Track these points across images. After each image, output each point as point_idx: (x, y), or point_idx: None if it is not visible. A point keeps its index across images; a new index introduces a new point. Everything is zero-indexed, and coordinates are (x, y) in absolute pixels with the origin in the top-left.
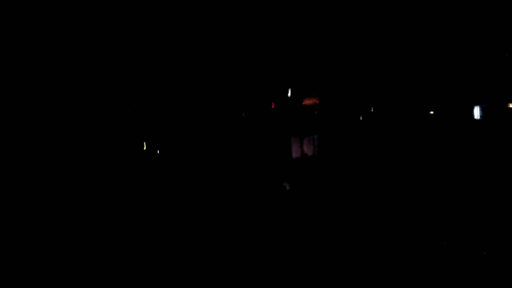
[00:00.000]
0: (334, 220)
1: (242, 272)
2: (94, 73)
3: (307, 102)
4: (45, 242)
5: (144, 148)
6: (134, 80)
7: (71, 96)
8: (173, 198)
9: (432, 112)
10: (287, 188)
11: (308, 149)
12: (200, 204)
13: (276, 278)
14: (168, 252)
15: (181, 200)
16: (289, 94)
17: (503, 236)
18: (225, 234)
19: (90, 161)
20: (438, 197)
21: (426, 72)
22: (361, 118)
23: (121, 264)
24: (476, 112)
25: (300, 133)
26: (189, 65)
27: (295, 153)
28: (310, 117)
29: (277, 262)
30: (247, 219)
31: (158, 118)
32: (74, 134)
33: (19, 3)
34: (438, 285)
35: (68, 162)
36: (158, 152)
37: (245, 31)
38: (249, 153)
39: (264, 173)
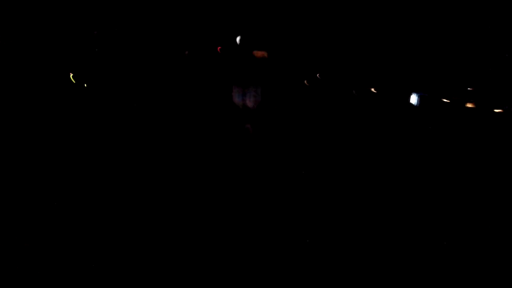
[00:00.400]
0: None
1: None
2: (94, 73)
3: (257, 54)
4: (45, 242)
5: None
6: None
7: (70, 95)
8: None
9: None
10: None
11: (249, 100)
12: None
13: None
14: (157, 240)
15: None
16: (238, 42)
17: (503, 236)
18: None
19: (89, 160)
20: (437, 195)
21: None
22: (306, 82)
23: (121, 264)
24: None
25: (243, 83)
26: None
27: (236, 101)
28: (256, 68)
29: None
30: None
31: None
32: (74, 134)
33: (19, 3)
34: (438, 285)
35: (67, 161)
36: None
37: None
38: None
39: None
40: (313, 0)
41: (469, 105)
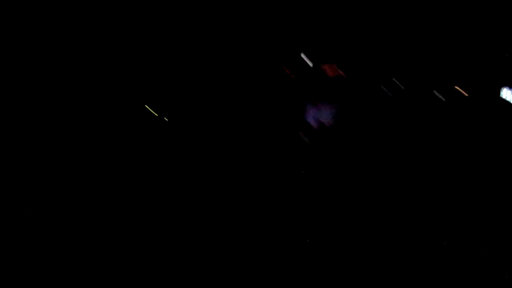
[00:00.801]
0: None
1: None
2: (94, 73)
3: (327, 69)
4: (45, 242)
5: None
6: (133, 80)
7: (70, 96)
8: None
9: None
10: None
11: (325, 118)
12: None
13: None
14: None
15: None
16: (307, 61)
17: (503, 236)
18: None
19: (89, 161)
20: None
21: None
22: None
23: (121, 264)
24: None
25: (317, 101)
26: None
27: (312, 122)
28: (329, 86)
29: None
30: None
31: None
32: (74, 133)
33: (19, 3)
34: (438, 285)
35: (67, 161)
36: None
37: None
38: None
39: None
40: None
41: None
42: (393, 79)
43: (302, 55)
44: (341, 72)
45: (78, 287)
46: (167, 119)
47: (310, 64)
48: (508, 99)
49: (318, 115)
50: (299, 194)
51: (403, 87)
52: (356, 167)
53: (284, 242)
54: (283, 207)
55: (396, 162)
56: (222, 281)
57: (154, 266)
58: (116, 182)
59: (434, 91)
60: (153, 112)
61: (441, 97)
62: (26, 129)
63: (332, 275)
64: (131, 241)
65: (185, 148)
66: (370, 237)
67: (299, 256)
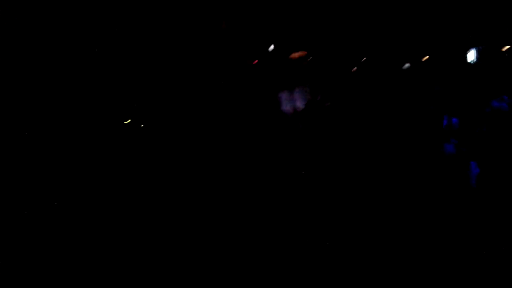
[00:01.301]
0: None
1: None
2: (94, 73)
3: (295, 55)
4: (45, 242)
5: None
6: (134, 80)
7: (71, 96)
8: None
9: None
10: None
11: (299, 102)
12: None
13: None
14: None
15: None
16: (271, 49)
17: (503, 236)
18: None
19: (89, 160)
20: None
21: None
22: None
23: (121, 264)
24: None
25: (289, 87)
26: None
27: (285, 108)
28: (297, 69)
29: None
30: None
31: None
32: (74, 134)
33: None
34: (438, 285)
35: (67, 161)
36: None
37: None
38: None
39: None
40: None
41: None
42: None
43: (271, 47)
44: (303, 53)
45: (78, 287)
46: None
47: (271, 47)
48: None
49: (291, 100)
50: (299, 194)
51: (372, 65)
52: (356, 166)
53: (284, 242)
54: (283, 207)
55: (394, 158)
56: (222, 281)
57: (154, 266)
58: (116, 182)
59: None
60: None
61: (407, 66)
62: (26, 129)
63: (332, 275)
64: (131, 241)
65: (175, 150)
66: (370, 237)
67: (299, 256)
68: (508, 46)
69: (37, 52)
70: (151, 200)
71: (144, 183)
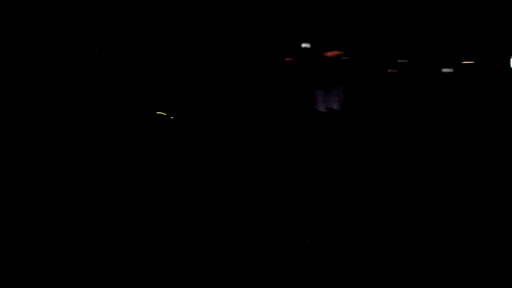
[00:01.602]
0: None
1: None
2: (94, 73)
3: (329, 54)
4: (45, 242)
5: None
6: (134, 80)
7: (70, 96)
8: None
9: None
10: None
11: (334, 103)
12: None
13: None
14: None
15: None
16: (306, 47)
17: (503, 236)
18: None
19: (89, 161)
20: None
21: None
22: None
23: (121, 264)
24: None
25: (323, 87)
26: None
27: (320, 108)
28: (333, 69)
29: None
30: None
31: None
32: (74, 133)
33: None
34: (438, 285)
35: (67, 161)
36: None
37: None
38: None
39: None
40: None
41: None
42: (398, 58)
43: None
44: (339, 52)
45: (78, 287)
46: (164, 114)
47: (308, 46)
48: None
49: (326, 100)
50: (299, 194)
51: (408, 65)
52: (355, 166)
53: (284, 242)
54: (283, 207)
55: (397, 160)
56: (222, 281)
57: (153, 266)
58: (116, 182)
59: (442, 68)
60: (155, 111)
61: (448, 70)
62: (26, 129)
63: (332, 275)
64: (130, 242)
65: (184, 144)
66: (370, 237)
67: (299, 256)
68: None
69: (37, 52)
70: (151, 200)
71: (144, 183)
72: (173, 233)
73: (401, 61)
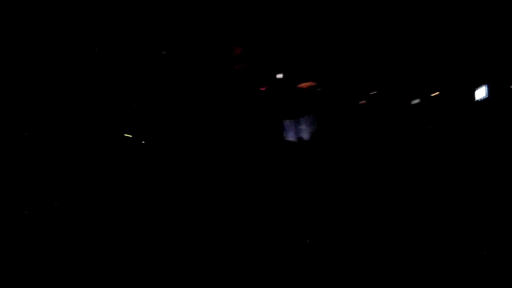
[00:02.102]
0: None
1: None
2: (94, 73)
3: (303, 85)
4: (45, 242)
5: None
6: (134, 80)
7: (70, 96)
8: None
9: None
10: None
11: (304, 133)
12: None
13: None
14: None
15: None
16: (280, 77)
17: (503, 236)
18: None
19: (89, 161)
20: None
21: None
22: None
23: (121, 264)
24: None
25: (294, 116)
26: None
27: (290, 137)
28: (306, 99)
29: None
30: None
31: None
32: (73, 133)
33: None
34: (438, 285)
35: (67, 161)
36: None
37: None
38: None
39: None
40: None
41: None
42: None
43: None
44: (313, 83)
45: (78, 287)
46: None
47: (282, 76)
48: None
49: (297, 130)
50: (299, 194)
51: (381, 95)
52: (355, 166)
53: (284, 242)
54: (283, 207)
55: (396, 161)
56: (222, 281)
57: (153, 266)
58: (115, 182)
59: (417, 98)
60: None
61: (417, 101)
62: (26, 129)
63: (332, 275)
64: (130, 242)
65: (180, 154)
66: (370, 237)
67: (299, 256)
68: None
69: (37, 52)
70: (151, 201)
71: (144, 184)
72: (173, 233)
73: (372, 93)
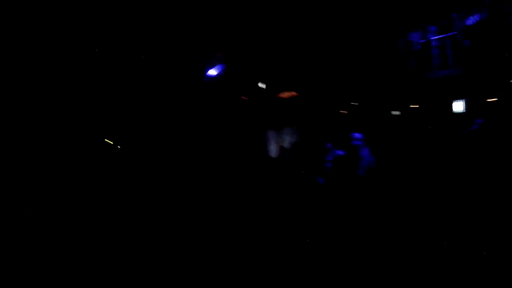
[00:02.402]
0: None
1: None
2: (94, 73)
3: (285, 95)
4: (45, 242)
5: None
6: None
7: (70, 96)
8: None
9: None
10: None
11: (286, 142)
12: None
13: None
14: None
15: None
16: (263, 87)
17: (503, 236)
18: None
19: (89, 161)
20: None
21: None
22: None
23: (121, 264)
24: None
25: (276, 126)
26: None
27: (272, 147)
28: (287, 109)
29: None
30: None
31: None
32: (73, 133)
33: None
34: (438, 285)
35: (67, 161)
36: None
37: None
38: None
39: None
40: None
41: None
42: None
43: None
44: (295, 93)
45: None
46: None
47: (263, 86)
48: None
49: (278, 139)
50: (300, 195)
51: (359, 107)
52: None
53: (284, 242)
54: (283, 207)
55: (397, 162)
56: (222, 281)
57: (153, 266)
58: (115, 182)
59: (391, 110)
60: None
61: (396, 113)
62: (26, 129)
63: (332, 275)
64: (129, 242)
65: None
66: (370, 237)
67: (299, 256)
68: (495, 98)
69: (37, 52)
70: (151, 200)
71: (144, 183)
72: (173, 232)
73: (352, 104)
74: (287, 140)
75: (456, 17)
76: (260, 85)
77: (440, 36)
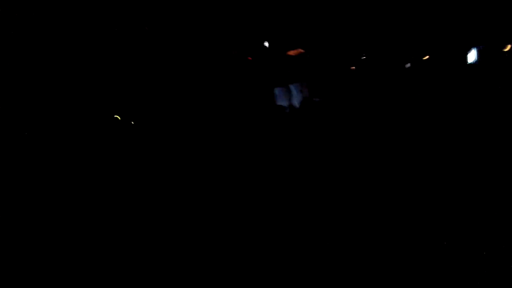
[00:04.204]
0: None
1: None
2: (94, 73)
3: (292, 52)
4: (45, 242)
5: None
6: (133, 80)
7: (70, 96)
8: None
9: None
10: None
11: (295, 99)
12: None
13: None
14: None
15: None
16: (267, 46)
17: (503, 236)
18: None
19: (89, 161)
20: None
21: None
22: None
23: (121, 264)
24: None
25: (285, 83)
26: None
27: (281, 103)
28: (295, 66)
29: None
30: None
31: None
32: (73, 134)
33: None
34: (438, 285)
35: (66, 162)
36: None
37: None
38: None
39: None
40: None
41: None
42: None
43: (265, 43)
44: (301, 50)
45: (78, 287)
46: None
47: (267, 44)
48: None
49: (288, 97)
50: (299, 193)
51: (369, 62)
52: (354, 164)
53: (284, 242)
54: (283, 207)
55: (394, 158)
56: (222, 281)
57: (153, 266)
58: (115, 182)
59: (406, 63)
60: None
61: (408, 65)
62: (26, 130)
63: (332, 275)
64: (129, 242)
65: (173, 149)
66: (370, 237)
67: (299, 256)
68: (509, 46)
69: (37, 52)
70: (150, 200)
71: (143, 183)
72: (173, 232)
73: (363, 58)
74: (296, 98)
75: None
76: (266, 43)
77: None
